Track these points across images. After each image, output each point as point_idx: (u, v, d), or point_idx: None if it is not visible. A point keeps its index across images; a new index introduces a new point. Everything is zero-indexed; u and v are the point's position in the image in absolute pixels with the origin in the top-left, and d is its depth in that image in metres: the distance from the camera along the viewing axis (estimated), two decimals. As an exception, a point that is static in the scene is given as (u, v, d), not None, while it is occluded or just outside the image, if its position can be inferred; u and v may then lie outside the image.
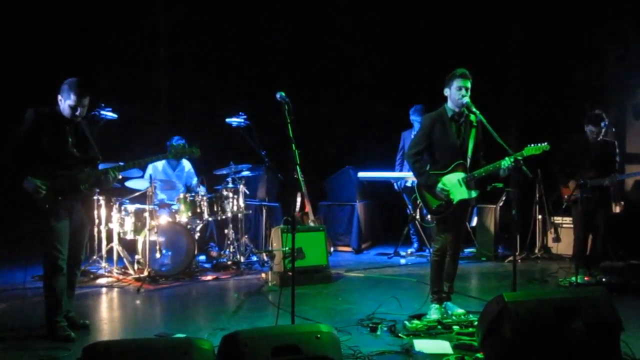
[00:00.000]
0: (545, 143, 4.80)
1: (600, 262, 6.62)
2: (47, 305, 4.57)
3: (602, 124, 6.48)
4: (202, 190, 7.25)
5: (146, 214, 6.64)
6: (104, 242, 6.83)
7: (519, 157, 4.58)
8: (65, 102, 4.54)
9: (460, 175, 4.86)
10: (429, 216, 5.49)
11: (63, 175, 4.54)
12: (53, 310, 4.55)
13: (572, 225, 7.72)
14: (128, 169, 5.12)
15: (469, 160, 4.89)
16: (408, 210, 8.40)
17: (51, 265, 4.52)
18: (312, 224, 7.51)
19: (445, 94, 4.91)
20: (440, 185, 4.81)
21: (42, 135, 4.50)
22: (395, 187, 8.49)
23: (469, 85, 4.82)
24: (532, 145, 4.79)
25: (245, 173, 7.56)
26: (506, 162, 4.66)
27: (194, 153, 5.25)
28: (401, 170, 8.33)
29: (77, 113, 4.57)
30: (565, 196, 6.71)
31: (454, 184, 4.85)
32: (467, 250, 8.30)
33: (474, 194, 4.91)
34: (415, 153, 4.94)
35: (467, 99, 4.79)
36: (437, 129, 4.88)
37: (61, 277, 4.58)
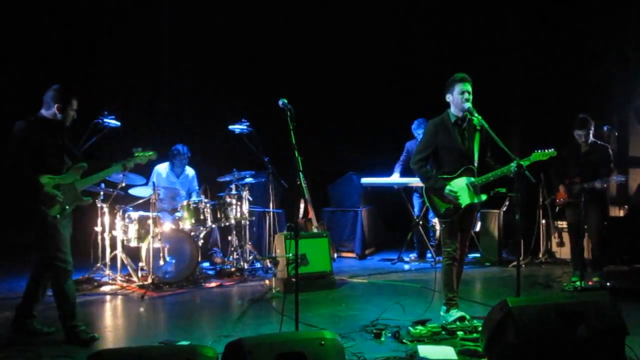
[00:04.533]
0: (552, 149, 4.81)
1: (603, 266, 6.60)
2: (64, 312, 4.54)
3: (578, 126, 6.42)
4: (202, 199, 7.24)
5: (150, 221, 6.65)
6: (108, 250, 6.84)
7: (527, 163, 4.59)
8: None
9: (468, 179, 4.86)
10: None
11: (64, 186, 4.53)
12: (70, 316, 4.54)
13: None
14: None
15: (476, 164, 4.89)
16: (417, 213, 8.39)
17: (62, 272, 4.50)
18: (315, 230, 7.51)
19: (448, 99, 4.92)
20: (448, 188, 4.81)
21: (41, 146, 4.46)
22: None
23: (470, 88, 4.84)
24: (539, 150, 4.81)
25: (249, 180, 7.57)
26: (512, 167, 4.66)
27: (152, 156, 5.30)
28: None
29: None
30: (557, 200, 6.76)
31: (462, 188, 4.85)
32: (471, 255, 8.28)
33: (482, 197, 4.91)
34: (421, 159, 4.95)
35: (469, 104, 4.80)
36: (442, 135, 4.89)
37: (72, 282, 4.61)
